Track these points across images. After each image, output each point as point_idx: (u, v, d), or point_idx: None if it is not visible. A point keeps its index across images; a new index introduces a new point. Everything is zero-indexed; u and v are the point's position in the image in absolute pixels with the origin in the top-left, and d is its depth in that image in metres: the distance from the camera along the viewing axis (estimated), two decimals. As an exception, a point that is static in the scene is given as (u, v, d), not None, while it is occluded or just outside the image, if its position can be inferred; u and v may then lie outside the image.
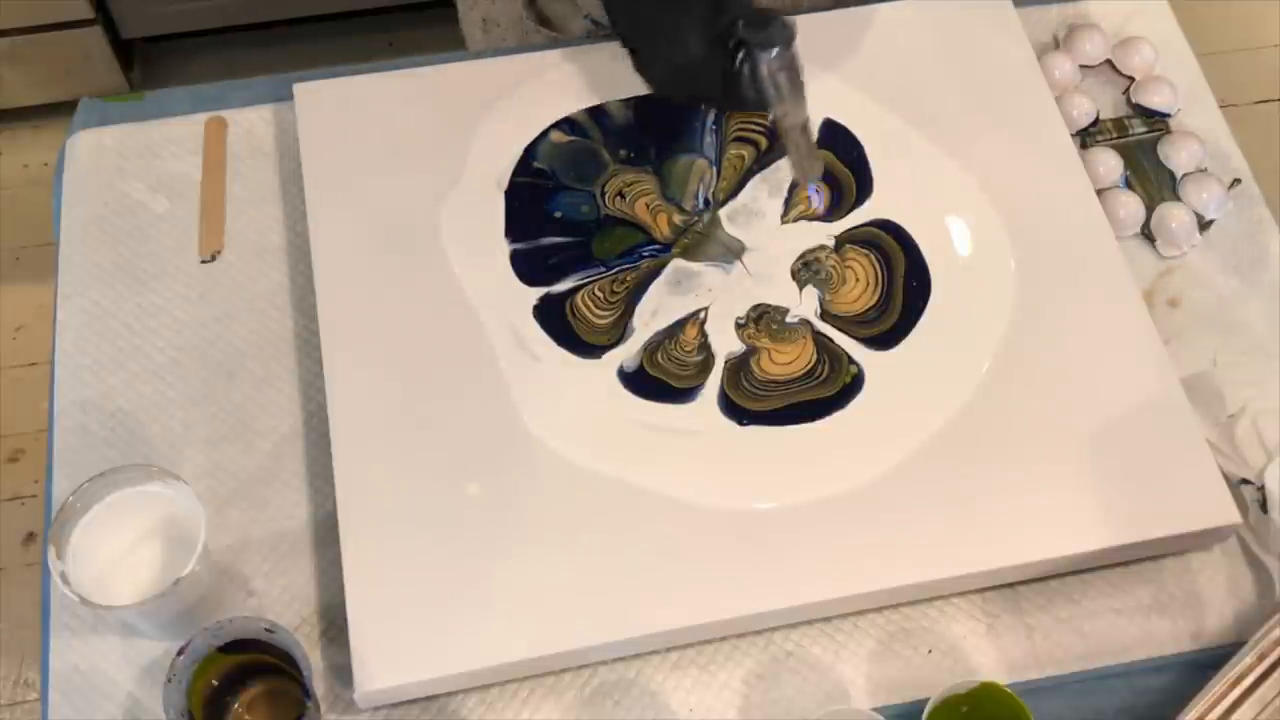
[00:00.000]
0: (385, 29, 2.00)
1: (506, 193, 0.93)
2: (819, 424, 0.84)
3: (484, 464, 0.82)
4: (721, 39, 0.79)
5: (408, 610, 0.78)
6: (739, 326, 0.88)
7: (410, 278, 0.89)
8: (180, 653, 0.72)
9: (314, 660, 0.79)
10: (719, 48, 0.79)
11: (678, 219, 0.92)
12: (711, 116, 0.95)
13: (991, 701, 0.74)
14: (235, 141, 0.98)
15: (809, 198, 0.92)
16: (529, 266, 0.90)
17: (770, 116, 0.82)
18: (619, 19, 0.85)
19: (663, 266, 0.90)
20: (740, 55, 0.78)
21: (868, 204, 0.93)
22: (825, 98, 0.97)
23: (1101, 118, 1.01)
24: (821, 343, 0.87)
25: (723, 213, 0.92)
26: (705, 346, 0.87)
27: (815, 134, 0.86)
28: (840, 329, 0.88)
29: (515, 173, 0.93)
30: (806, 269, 0.90)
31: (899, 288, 0.90)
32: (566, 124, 0.95)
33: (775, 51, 0.78)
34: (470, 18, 1.11)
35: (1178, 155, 0.99)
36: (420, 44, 1.75)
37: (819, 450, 0.84)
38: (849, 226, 0.92)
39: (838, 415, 0.85)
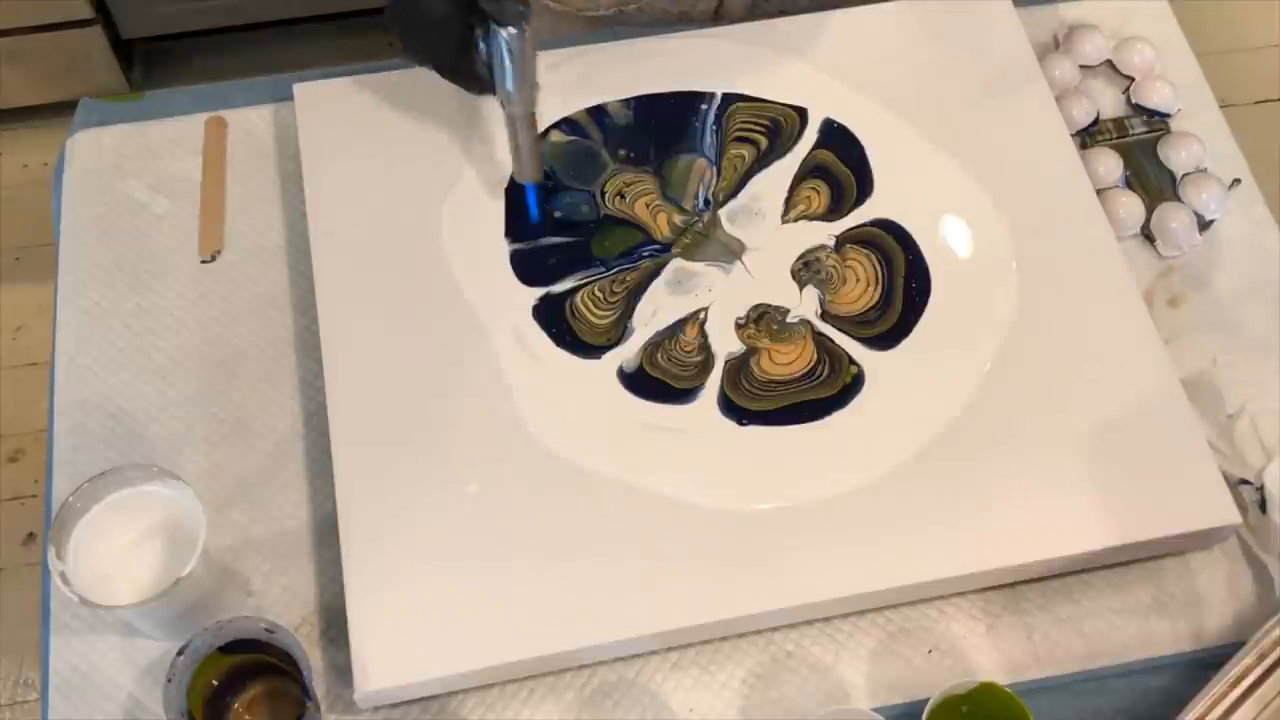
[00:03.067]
0: (385, 29, 2.00)
1: (506, 192, 0.93)
2: (819, 424, 0.84)
3: (484, 464, 0.82)
4: (465, 4, 0.76)
5: (408, 610, 0.78)
6: (739, 327, 0.88)
7: (410, 278, 0.89)
8: (180, 653, 0.72)
9: (314, 660, 0.79)
10: (460, 11, 0.76)
11: (678, 219, 0.92)
12: (712, 116, 0.95)
13: (991, 701, 0.74)
14: (235, 141, 0.98)
15: (527, 197, 0.89)
16: (529, 266, 0.90)
17: (498, 96, 0.79)
18: None
19: (662, 266, 0.90)
20: (479, 29, 0.76)
21: (868, 204, 0.93)
22: (825, 98, 0.97)
23: (1101, 118, 1.01)
24: (822, 343, 0.87)
25: (723, 213, 0.92)
26: (705, 347, 0.87)
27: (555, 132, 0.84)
28: (840, 329, 0.88)
29: (515, 173, 0.93)
30: (807, 269, 0.90)
31: (899, 288, 0.90)
32: (566, 124, 0.95)
33: (513, 31, 0.76)
34: None
35: (1178, 155, 0.99)
36: (420, 44, 1.75)
37: (819, 450, 0.84)
38: (849, 226, 0.92)
39: (838, 415, 0.85)
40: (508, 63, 0.77)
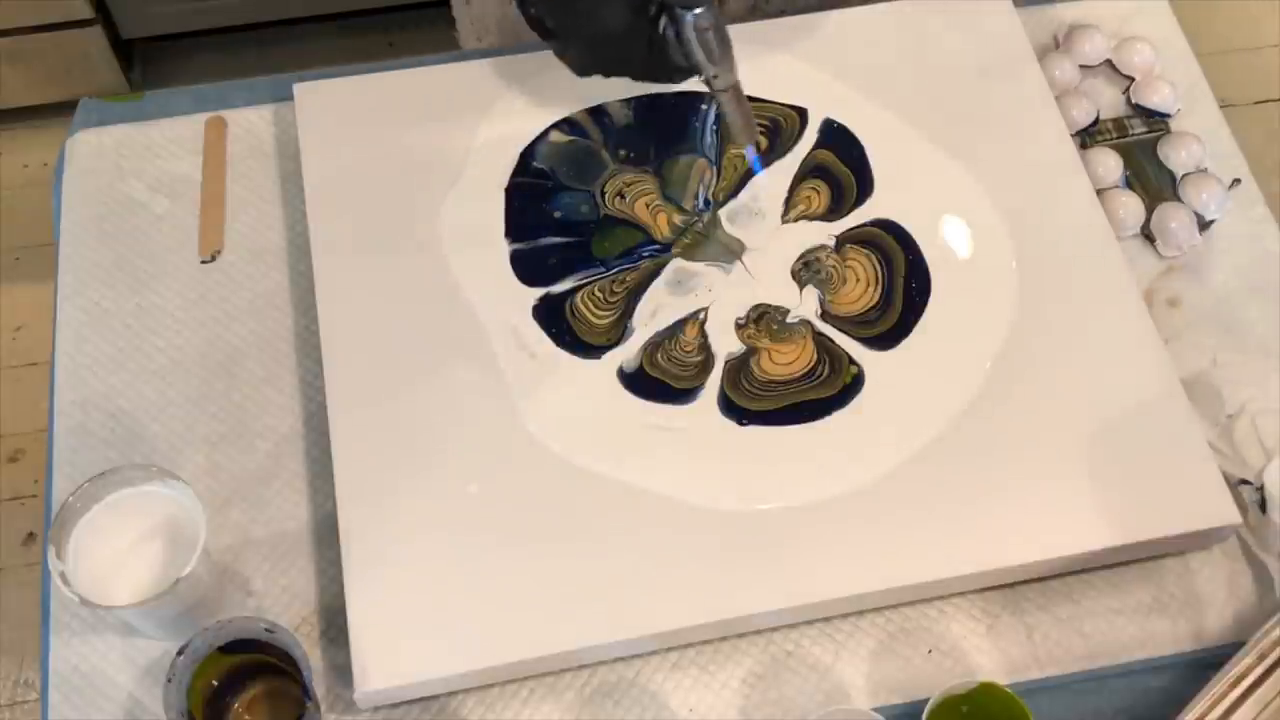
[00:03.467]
0: (385, 29, 2.00)
1: (506, 192, 0.93)
2: (819, 424, 0.84)
3: (484, 464, 0.82)
4: (643, 5, 0.77)
5: (408, 610, 0.78)
6: (739, 327, 0.88)
7: (410, 278, 0.89)
8: (180, 653, 0.72)
9: (314, 660, 0.79)
10: (641, 15, 0.77)
11: (678, 219, 0.92)
12: (712, 116, 0.95)
13: (991, 701, 0.74)
14: (235, 141, 0.98)
15: (750, 163, 0.91)
16: (529, 266, 0.90)
17: (702, 79, 0.80)
18: (532, 3, 0.82)
19: (662, 267, 0.90)
20: (664, 20, 0.76)
21: (868, 204, 0.93)
22: (825, 98, 0.97)
23: (1101, 118, 1.01)
24: (822, 343, 0.87)
25: (723, 213, 0.92)
26: (705, 347, 0.87)
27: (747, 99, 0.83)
28: (841, 329, 0.88)
29: (515, 173, 0.93)
30: (807, 269, 0.90)
31: (899, 288, 0.90)
32: (566, 124, 0.95)
33: (700, 11, 0.76)
34: (462, 13, 1.11)
35: (1178, 155, 0.99)
36: (420, 44, 1.75)
37: (819, 450, 0.84)
38: (849, 226, 0.92)
39: (838, 415, 0.85)
40: (709, 41, 0.77)
